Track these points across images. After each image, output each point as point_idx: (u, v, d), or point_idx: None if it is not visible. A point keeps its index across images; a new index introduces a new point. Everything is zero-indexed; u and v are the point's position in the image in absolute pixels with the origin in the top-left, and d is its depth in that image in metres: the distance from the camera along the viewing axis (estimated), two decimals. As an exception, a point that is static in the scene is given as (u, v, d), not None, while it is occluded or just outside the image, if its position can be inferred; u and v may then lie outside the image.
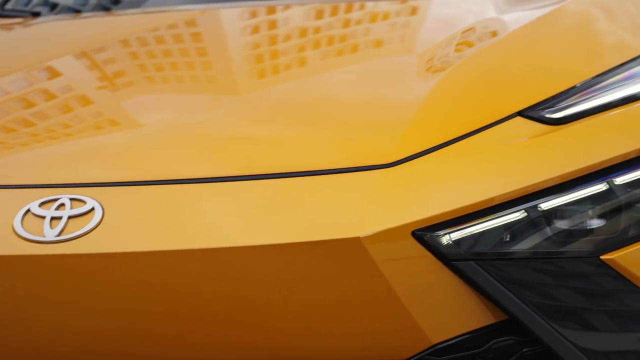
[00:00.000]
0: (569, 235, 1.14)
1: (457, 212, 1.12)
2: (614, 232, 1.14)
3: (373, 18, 1.84)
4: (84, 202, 1.14)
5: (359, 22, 1.84)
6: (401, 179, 1.16)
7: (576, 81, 1.32)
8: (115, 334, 1.14)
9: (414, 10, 1.86)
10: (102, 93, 1.58)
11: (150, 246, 1.10)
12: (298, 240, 1.10)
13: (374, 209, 1.12)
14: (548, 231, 1.13)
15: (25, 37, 2.01)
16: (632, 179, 1.15)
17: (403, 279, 1.11)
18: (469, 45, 1.52)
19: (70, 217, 1.12)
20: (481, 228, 1.12)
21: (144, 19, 2.07)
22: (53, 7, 2.31)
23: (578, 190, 1.14)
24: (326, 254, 1.10)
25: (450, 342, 1.14)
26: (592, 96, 1.27)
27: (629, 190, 1.15)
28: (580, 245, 1.14)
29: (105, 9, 2.27)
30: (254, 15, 2.02)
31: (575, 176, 1.14)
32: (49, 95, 1.59)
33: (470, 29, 1.59)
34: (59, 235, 1.11)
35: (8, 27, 2.12)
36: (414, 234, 1.10)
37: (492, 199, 1.12)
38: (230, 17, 2.00)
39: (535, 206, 1.13)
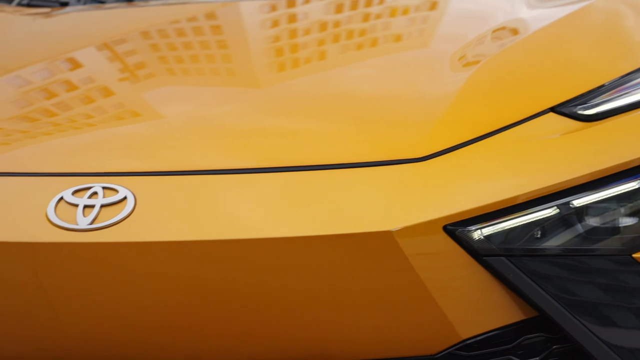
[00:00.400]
0: (601, 233, 1.13)
1: (489, 207, 1.11)
2: (646, 230, 1.14)
3: (400, 11, 1.83)
4: (116, 191, 1.14)
5: (392, 13, 1.84)
6: (432, 173, 1.15)
7: (607, 79, 1.32)
8: (142, 323, 1.14)
9: (440, 5, 1.85)
10: (125, 84, 1.58)
11: (181, 236, 1.10)
12: (328, 233, 1.10)
13: (404, 203, 1.12)
14: (579, 228, 1.13)
15: (49, 27, 2.00)
16: (665, 178, 1.15)
17: (433, 274, 1.11)
18: (500, 41, 1.52)
19: (102, 206, 1.13)
20: (513, 224, 1.12)
21: (165, 10, 2.06)
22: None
23: (610, 188, 1.14)
24: (356, 247, 1.09)
25: (479, 338, 1.14)
26: (625, 93, 1.27)
27: (661, 188, 1.15)
28: (612, 243, 1.13)
29: (128, 0, 2.27)
30: (273, 8, 2.01)
31: (608, 173, 1.14)
32: (74, 86, 1.59)
33: (500, 25, 1.59)
34: (91, 223, 1.11)
35: (35, 17, 2.12)
36: (446, 228, 1.10)
37: (524, 194, 1.12)
38: (250, 10, 1.99)
39: (567, 203, 1.13)
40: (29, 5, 2.25)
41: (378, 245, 1.09)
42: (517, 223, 1.12)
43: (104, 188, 1.15)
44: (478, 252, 1.11)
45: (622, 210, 1.14)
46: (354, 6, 1.95)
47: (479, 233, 1.11)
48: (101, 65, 1.71)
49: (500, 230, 1.12)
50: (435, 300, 1.10)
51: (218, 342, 1.15)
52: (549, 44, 1.48)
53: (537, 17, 1.63)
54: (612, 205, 1.14)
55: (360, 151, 1.20)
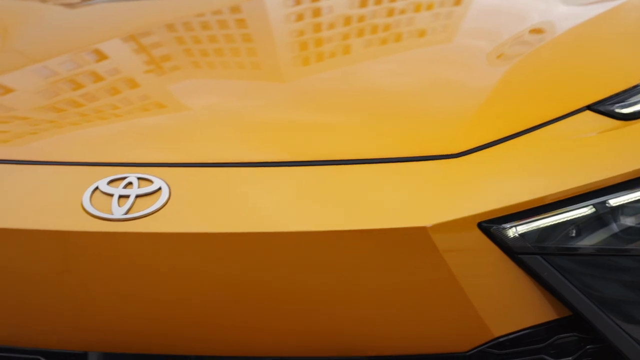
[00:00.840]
0: (636, 233, 1.13)
1: (524, 205, 1.11)
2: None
3: (427, 5, 1.82)
4: (151, 181, 1.14)
5: (417, 8, 1.83)
6: (467, 170, 1.15)
7: None
8: (169, 315, 1.14)
9: (472, 0, 1.84)
10: (151, 76, 1.58)
11: (215, 228, 1.10)
12: (360, 227, 1.09)
13: (439, 200, 1.11)
14: (615, 228, 1.12)
15: (78, 17, 2.00)
16: None
17: (467, 270, 1.10)
18: (535, 38, 1.51)
19: (137, 196, 1.12)
20: (548, 222, 1.11)
21: (190, 3, 2.06)
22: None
23: (648, 188, 1.13)
24: (389, 242, 1.09)
25: (512, 336, 1.13)
26: None
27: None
28: (648, 243, 1.13)
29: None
30: (298, 2, 2.01)
31: None
32: (101, 77, 1.59)
33: (536, 22, 1.58)
34: (126, 213, 1.11)
35: (66, 7, 2.12)
36: (480, 225, 1.10)
37: (559, 193, 1.11)
38: (275, 3, 1.99)
39: (604, 202, 1.12)
40: None
41: (411, 241, 1.08)
42: (552, 221, 1.12)
43: (138, 178, 1.15)
44: (512, 250, 1.11)
45: (659, 210, 1.13)
46: (378, 0, 1.95)
47: (513, 231, 1.10)
48: (127, 57, 1.71)
49: (535, 228, 1.11)
50: (468, 297, 1.10)
51: (246, 335, 1.15)
52: (585, 41, 1.48)
53: (572, 14, 1.62)
54: (649, 205, 1.13)
55: (392, 146, 1.19)
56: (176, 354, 1.17)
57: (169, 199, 1.12)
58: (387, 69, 1.48)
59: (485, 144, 1.18)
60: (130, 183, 1.14)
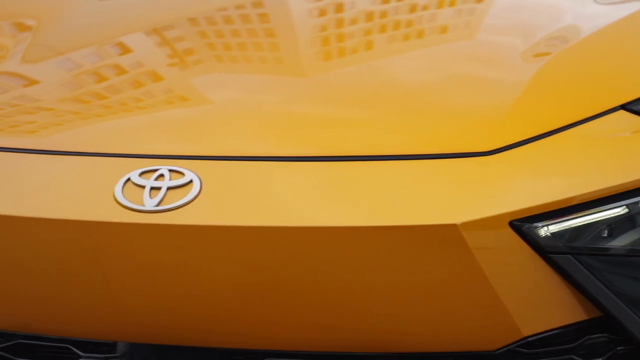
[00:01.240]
0: (670, 234, 1.12)
1: (556, 204, 1.10)
2: None
3: (456, 1, 1.81)
4: (182, 174, 1.14)
5: (452, 2, 1.82)
6: (498, 168, 1.14)
7: None
8: (195, 307, 1.14)
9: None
10: (175, 70, 1.58)
11: (245, 221, 1.10)
12: (390, 223, 1.09)
13: (470, 197, 1.11)
14: (648, 228, 1.12)
15: (105, 10, 2.01)
16: None
17: (497, 269, 1.09)
18: (569, 34, 1.50)
19: (169, 188, 1.12)
20: (580, 222, 1.11)
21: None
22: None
23: (682, 188, 1.12)
24: (419, 239, 1.08)
25: (541, 336, 1.13)
26: None
27: None
28: (681, 244, 1.12)
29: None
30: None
31: None
32: (126, 70, 1.60)
33: (569, 19, 1.57)
34: (158, 205, 1.11)
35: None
36: (512, 224, 1.09)
37: (592, 193, 1.10)
38: (297, -1, 1.99)
39: (637, 203, 1.11)
40: None
41: (442, 238, 1.08)
42: (584, 221, 1.11)
43: (170, 171, 1.14)
44: (544, 249, 1.10)
45: (694, 211, 1.12)
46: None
47: (545, 230, 1.10)
48: (151, 50, 1.71)
49: (567, 227, 1.10)
50: (497, 296, 1.09)
51: (271, 329, 1.15)
52: (619, 40, 1.46)
53: (604, 12, 1.62)
54: (682, 206, 1.12)
55: (423, 143, 1.19)
56: (203, 345, 1.17)
57: (200, 191, 1.12)
58: (415, 65, 1.47)
59: (517, 142, 1.17)
60: (161, 175, 1.14)
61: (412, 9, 1.86)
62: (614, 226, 1.11)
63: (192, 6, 1.97)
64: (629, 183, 1.11)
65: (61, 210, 1.12)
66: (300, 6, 1.96)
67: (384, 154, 1.17)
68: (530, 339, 1.13)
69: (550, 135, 1.18)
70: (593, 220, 1.11)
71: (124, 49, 1.74)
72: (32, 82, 1.58)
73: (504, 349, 1.13)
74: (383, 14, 1.82)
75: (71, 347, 1.19)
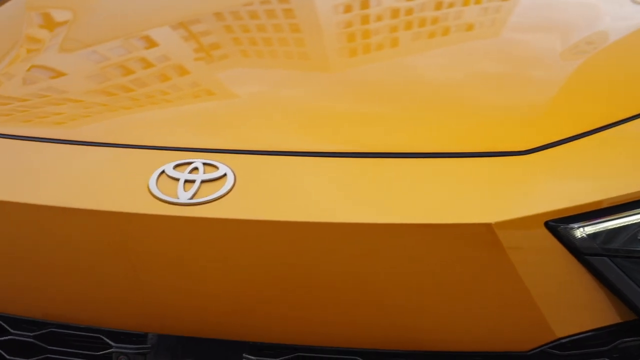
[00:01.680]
0: None
1: (593, 205, 1.09)
2: None
3: None
4: (216, 167, 1.14)
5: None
6: (534, 168, 1.13)
7: None
8: (223, 300, 1.14)
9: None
10: (201, 64, 1.58)
11: (279, 216, 1.09)
12: (425, 221, 1.08)
13: (505, 197, 1.10)
14: (686, 232, 1.11)
15: (131, 4, 2.01)
16: None
17: (531, 269, 1.08)
18: (605, 35, 1.49)
19: (203, 181, 1.12)
20: (617, 224, 1.09)
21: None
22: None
23: None
24: (453, 238, 1.08)
25: (574, 338, 1.12)
26: None
27: None
28: None
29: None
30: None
31: None
32: (152, 64, 1.60)
33: (608, 20, 1.56)
34: (191, 198, 1.10)
35: None
36: (547, 224, 1.08)
37: (629, 195, 1.09)
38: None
39: None
40: None
41: (476, 237, 1.07)
42: (621, 223, 1.10)
43: (204, 164, 1.14)
44: (580, 251, 1.09)
45: None
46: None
47: (581, 231, 1.09)
48: (177, 44, 1.71)
49: (603, 229, 1.09)
50: (531, 296, 1.08)
51: (301, 324, 1.15)
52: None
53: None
54: None
55: (459, 141, 1.18)
56: (233, 339, 1.17)
57: (234, 185, 1.12)
58: (448, 62, 1.46)
59: (553, 142, 1.16)
60: (196, 168, 1.14)
61: (438, 6, 1.85)
62: (651, 229, 1.10)
63: (218, 1, 1.97)
64: (667, 185, 1.10)
65: (95, 201, 1.12)
66: (325, 2, 1.95)
67: (418, 151, 1.17)
68: (563, 341, 1.12)
69: (588, 135, 1.17)
70: (630, 223, 1.10)
71: (151, 43, 1.74)
72: (59, 74, 1.58)
73: (537, 349, 1.12)
74: (409, 11, 1.81)
75: (103, 337, 1.19)
